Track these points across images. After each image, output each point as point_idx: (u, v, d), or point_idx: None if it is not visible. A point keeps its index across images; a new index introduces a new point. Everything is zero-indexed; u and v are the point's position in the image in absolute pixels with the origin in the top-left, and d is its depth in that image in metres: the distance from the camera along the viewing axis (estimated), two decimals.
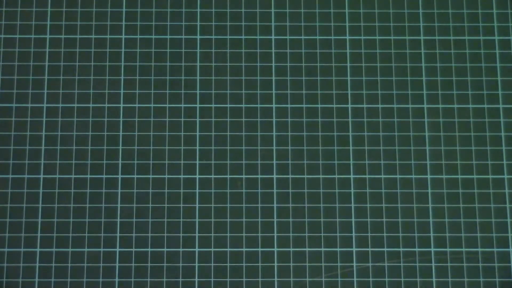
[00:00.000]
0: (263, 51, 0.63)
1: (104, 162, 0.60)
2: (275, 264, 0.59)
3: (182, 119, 0.61)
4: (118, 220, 0.60)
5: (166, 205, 0.60)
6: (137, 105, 0.61)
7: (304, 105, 0.62)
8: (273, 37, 0.63)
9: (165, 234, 0.59)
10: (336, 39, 0.63)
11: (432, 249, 0.59)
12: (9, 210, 0.60)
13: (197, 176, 0.60)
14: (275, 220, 0.60)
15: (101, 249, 0.59)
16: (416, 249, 0.59)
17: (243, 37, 0.63)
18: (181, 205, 0.60)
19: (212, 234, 0.59)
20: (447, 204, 0.60)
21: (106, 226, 0.60)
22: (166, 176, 0.60)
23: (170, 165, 0.60)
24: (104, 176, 0.60)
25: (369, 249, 0.59)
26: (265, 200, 0.60)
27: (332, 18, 0.63)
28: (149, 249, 0.59)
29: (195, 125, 0.61)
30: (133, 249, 0.59)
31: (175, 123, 0.61)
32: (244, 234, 0.59)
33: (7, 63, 0.61)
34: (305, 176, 0.61)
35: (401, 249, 0.59)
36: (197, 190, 0.60)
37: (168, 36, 0.63)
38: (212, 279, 0.59)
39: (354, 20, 0.63)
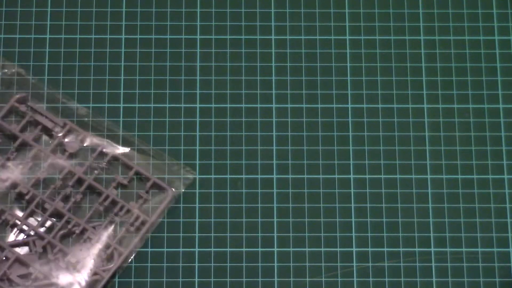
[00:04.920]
0: (263, 51, 0.63)
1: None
2: (275, 264, 0.59)
3: (182, 119, 0.61)
4: None
5: None
6: (137, 105, 0.61)
7: (304, 105, 0.62)
8: (273, 37, 0.63)
9: (165, 234, 0.59)
10: (336, 39, 0.63)
11: (432, 249, 0.59)
12: None
13: (197, 176, 0.60)
14: (275, 220, 0.60)
15: None
16: (416, 249, 0.59)
17: (243, 37, 0.63)
18: (181, 205, 0.60)
19: (212, 234, 0.59)
20: (447, 204, 0.60)
21: None
22: (166, 176, 0.60)
23: (170, 165, 0.60)
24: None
25: (369, 249, 0.59)
26: (265, 200, 0.60)
27: (332, 18, 0.63)
28: (149, 249, 0.59)
29: (196, 125, 0.61)
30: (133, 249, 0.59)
31: (175, 123, 0.61)
32: (244, 234, 0.59)
33: (7, 63, 0.61)
34: (305, 176, 0.61)
35: (401, 249, 0.59)
36: (197, 190, 0.60)
37: (168, 36, 0.63)
38: (212, 279, 0.59)
39: (354, 20, 0.63)
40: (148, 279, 0.58)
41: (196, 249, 0.59)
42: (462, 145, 0.61)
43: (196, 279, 0.59)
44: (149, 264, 0.59)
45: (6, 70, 0.61)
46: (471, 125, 0.62)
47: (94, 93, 0.61)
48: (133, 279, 0.58)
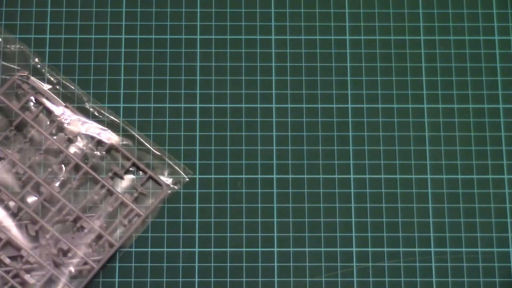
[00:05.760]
0: (263, 51, 0.63)
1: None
2: (275, 264, 0.59)
3: (183, 119, 0.61)
4: None
5: (166, 205, 0.60)
6: (137, 105, 0.61)
7: (304, 105, 0.62)
8: (273, 37, 0.63)
9: (165, 234, 0.59)
10: (336, 39, 0.63)
11: (432, 249, 0.60)
12: None
13: (197, 176, 0.60)
14: (275, 220, 0.60)
15: None
16: (416, 249, 0.60)
17: (243, 37, 0.63)
18: (181, 205, 0.60)
19: (212, 234, 0.59)
20: (447, 204, 0.60)
21: None
22: (167, 176, 0.60)
23: (169, 163, 0.60)
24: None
25: (369, 249, 0.59)
26: (265, 200, 0.60)
27: (332, 18, 0.63)
28: (149, 249, 0.59)
29: (196, 125, 0.61)
30: (134, 249, 0.59)
31: (175, 123, 0.61)
32: (244, 234, 0.59)
33: (8, 63, 0.61)
34: (305, 176, 0.61)
35: (401, 249, 0.59)
36: (197, 190, 0.60)
37: (168, 36, 0.63)
38: (212, 279, 0.59)
39: (354, 20, 0.63)
40: (148, 279, 0.58)
41: (196, 249, 0.59)
42: (462, 145, 0.61)
43: (196, 279, 0.59)
44: (149, 264, 0.59)
45: (8, 46, 0.61)
46: (471, 125, 0.62)
47: (94, 93, 0.61)
48: (133, 279, 0.58)
